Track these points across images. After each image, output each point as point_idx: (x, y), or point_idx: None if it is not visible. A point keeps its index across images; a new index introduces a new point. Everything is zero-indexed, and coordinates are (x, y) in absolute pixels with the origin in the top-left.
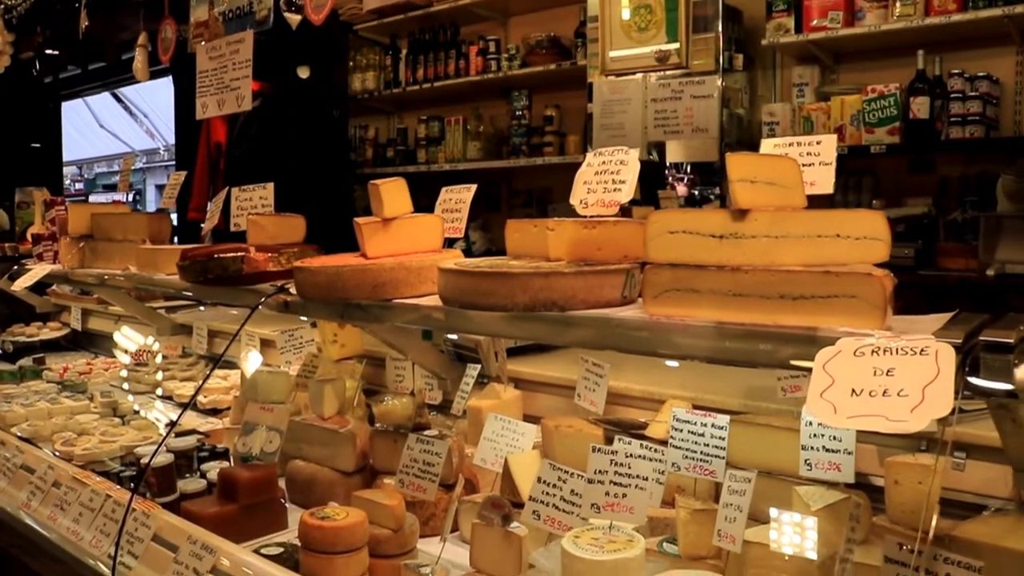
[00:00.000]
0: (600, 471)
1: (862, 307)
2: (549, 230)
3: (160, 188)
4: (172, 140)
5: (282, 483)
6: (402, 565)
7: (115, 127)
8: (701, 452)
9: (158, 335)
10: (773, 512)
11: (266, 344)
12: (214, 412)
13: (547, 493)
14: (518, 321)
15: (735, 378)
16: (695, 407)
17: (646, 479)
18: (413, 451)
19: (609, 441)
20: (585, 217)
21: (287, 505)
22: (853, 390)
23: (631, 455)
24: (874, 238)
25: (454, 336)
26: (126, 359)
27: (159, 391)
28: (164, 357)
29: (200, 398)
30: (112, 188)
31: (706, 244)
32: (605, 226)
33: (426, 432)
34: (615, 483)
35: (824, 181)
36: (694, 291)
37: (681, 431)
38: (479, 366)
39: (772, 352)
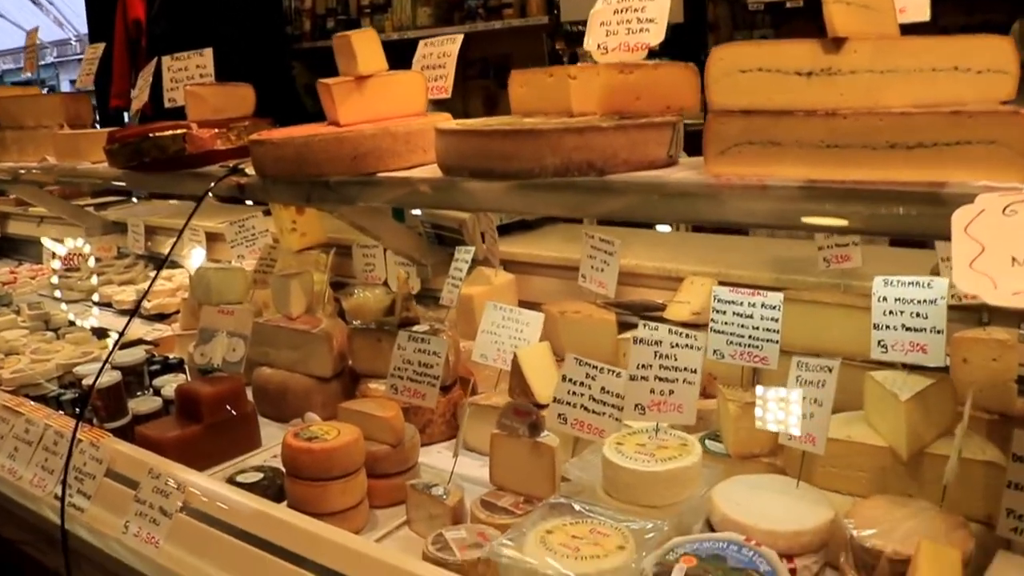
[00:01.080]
0: (643, 365)
1: (1002, 155)
2: (571, 78)
3: (75, 84)
4: (84, 28)
5: (249, 394)
6: (407, 486)
7: (17, 17)
8: (750, 337)
9: (88, 236)
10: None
11: (213, 239)
12: (160, 318)
13: (574, 393)
14: (545, 191)
15: (760, 249)
16: (722, 284)
17: (695, 371)
18: (405, 351)
19: (623, 327)
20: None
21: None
22: (1014, 259)
23: (678, 345)
24: (999, 71)
25: (434, 215)
26: (56, 265)
27: (95, 298)
28: (97, 260)
29: (144, 302)
30: (23, 85)
31: (790, 84)
32: (644, 70)
33: (416, 328)
34: (661, 379)
35: (918, 5)
36: (774, 143)
37: (724, 313)
38: (472, 248)
39: (881, 215)
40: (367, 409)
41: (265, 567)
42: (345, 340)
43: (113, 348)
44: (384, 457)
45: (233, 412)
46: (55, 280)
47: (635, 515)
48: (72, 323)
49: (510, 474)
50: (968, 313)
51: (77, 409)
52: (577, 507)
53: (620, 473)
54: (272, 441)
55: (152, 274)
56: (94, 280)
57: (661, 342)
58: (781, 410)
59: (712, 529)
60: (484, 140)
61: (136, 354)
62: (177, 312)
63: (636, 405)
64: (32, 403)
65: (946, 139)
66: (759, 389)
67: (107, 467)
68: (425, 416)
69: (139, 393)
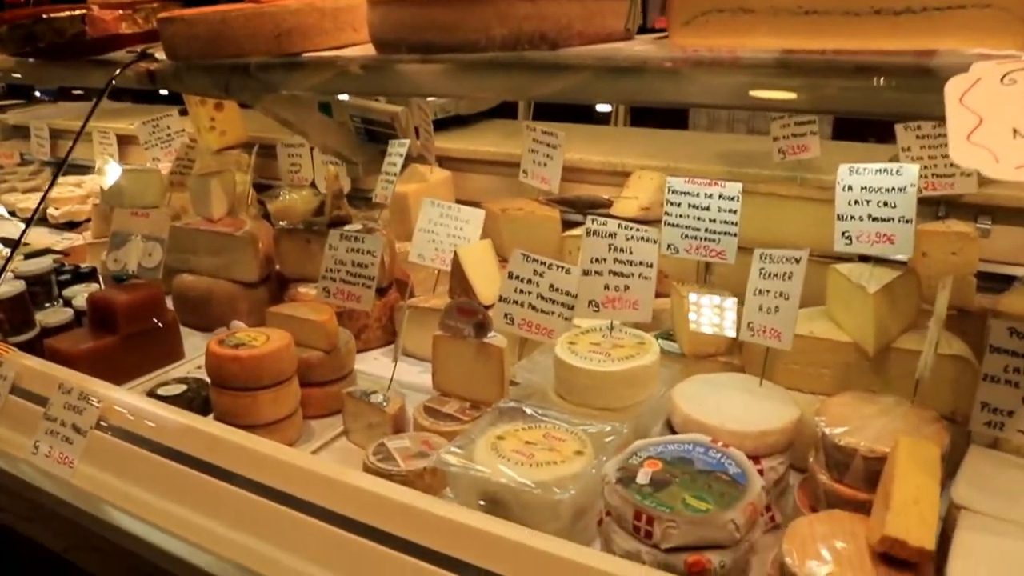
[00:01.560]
0: (597, 259)
1: (998, 20)
2: None
3: None
4: None
5: (170, 304)
6: (344, 394)
7: None
8: (706, 230)
9: None
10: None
11: (125, 142)
12: (70, 226)
13: (521, 291)
14: (491, 70)
15: (709, 142)
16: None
17: (651, 266)
18: (337, 251)
19: (567, 225)
20: None
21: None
22: (1015, 131)
23: (632, 238)
24: None
25: (364, 109)
26: None
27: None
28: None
29: (51, 210)
30: None
31: None
32: None
33: (349, 227)
34: (615, 273)
35: None
36: (746, 11)
37: (678, 205)
38: (407, 142)
39: (864, 90)
40: (298, 313)
41: (192, 484)
42: (271, 242)
43: (12, 254)
44: (318, 364)
45: (152, 321)
46: None
47: (591, 418)
48: None
49: (455, 378)
50: (926, 206)
51: None
52: (529, 411)
53: (575, 374)
54: (196, 352)
55: (61, 181)
56: None
57: (615, 235)
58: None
59: (673, 431)
60: (423, 9)
61: (43, 263)
62: (88, 220)
63: (590, 302)
64: None
65: (937, 3)
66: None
67: (12, 383)
68: (360, 321)
69: (47, 305)
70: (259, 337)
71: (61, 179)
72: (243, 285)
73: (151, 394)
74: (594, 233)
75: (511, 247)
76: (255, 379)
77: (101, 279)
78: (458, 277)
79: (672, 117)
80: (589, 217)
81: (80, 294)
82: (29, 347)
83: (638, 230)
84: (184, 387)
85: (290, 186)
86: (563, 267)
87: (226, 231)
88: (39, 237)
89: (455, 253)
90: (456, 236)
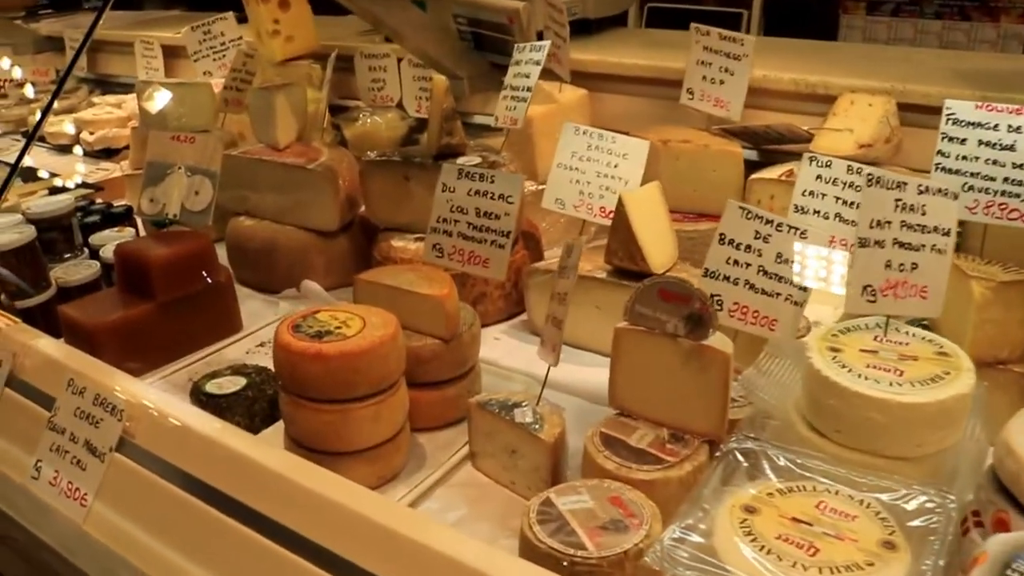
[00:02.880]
0: (879, 223)
1: None
2: None
3: None
4: None
5: (222, 256)
6: (472, 405)
7: None
8: (1008, 180)
9: (17, 55)
10: None
11: (173, 54)
12: (107, 154)
13: (736, 262)
14: None
15: (932, 59)
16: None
17: (947, 234)
18: (455, 194)
19: (753, 167)
20: None
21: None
22: None
23: (927, 191)
24: None
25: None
26: None
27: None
28: (33, 85)
29: (85, 135)
30: None
31: None
32: None
33: (464, 160)
34: (902, 244)
35: None
36: None
37: (962, 142)
38: (546, 43)
39: None
40: (403, 283)
41: (253, 558)
42: (355, 179)
43: (9, 179)
44: (432, 358)
45: (199, 283)
46: None
47: (879, 472)
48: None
49: (648, 394)
50: None
51: None
52: (781, 459)
53: (855, 403)
54: (256, 321)
55: (98, 100)
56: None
57: (904, 187)
58: None
59: (1003, 490)
60: None
61: (61, 202)
62: (127, 147)
63: (865, 288)
64: None
65: None
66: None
67: (8, 372)
68: (476, 288)
69: (67, 256)
70: (351, 321)
71: (99, 98)
72: (318, 234)
73: (197, 392)
74: (877, 182)
75: (674, 193)
76: (347, 387)
77: (139, 222)
78: (621, 234)
79: (816, 28)
80: (806, 157)
81: (111, 242)
82: (41, 314)
83: (929, 183)
84: (243, 380)
85: (372, 106)
86: (797, 229)
87: (296, 162)
88: (72, 166)
89: (620, 199)
90: (609, 176)
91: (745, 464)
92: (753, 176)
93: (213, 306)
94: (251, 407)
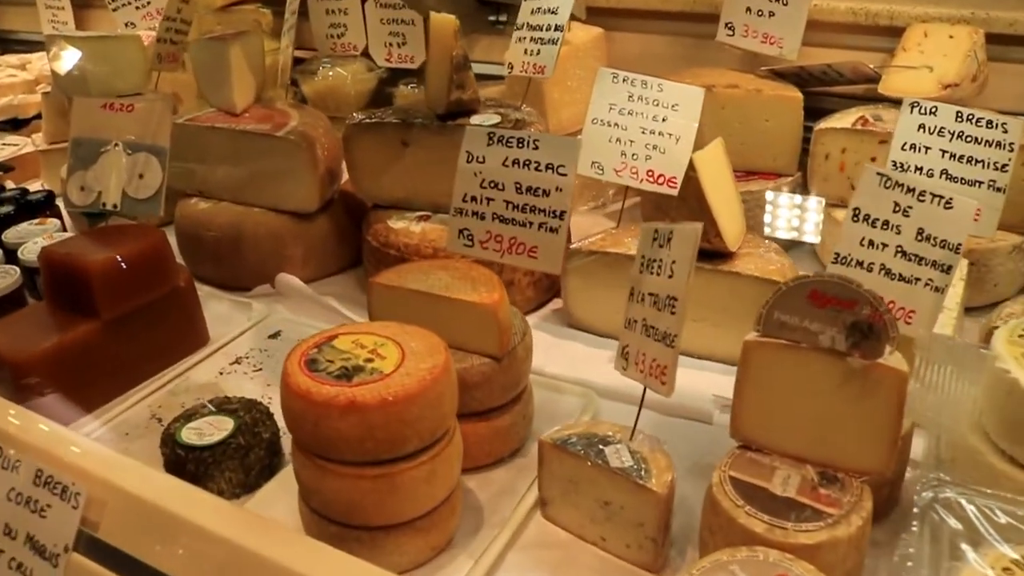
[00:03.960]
0: None
1: None
2: None
3: None
4: None
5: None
6: (547, 446)
7: None
8: None
9: None
10: None
11: (84, 5)
12: (14, 126)
13: (871, 243)
14: None
15: None
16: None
17: None
18: (486, 166)
19: (814, 114)
20: None
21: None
22: None
23: None
24: None
25: None
26: None
27: None
28: None
29: None
30: None
31: None
32: None
33: (478, 119)
34: None
35: None
36: None
37: None
38: None
39: None
40: (439, 287)
41: None
42: (336, 145)
43: None
44: (482, 382)
45: (154, 290)
46: None
47: None
48: None
49: (791, 421)
50: None
51: None
52: (1001, 515)
53: None
54: (224, 329)
55: None
56: None
57: None
58: None
59: None
60: None
61: None
62: (38, 117)
63: None
64: None
65: None
66: None
67: None
68: (503, 276)
69: None
70: (384, 348)
71: None
72: (292, 216)
73: (171, 443)
74: None
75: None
76: (394, 444)
77: (65, 214)
78: (691, 204)
79: None
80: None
81: (31, 239)
82: None
83: None
84: (230, 422)
85: (332, 57)
86: (942, 198)
87: (261, 129)
88: None
89: (691, 163)
90: (657, 132)
91: (956, 525)
92: (821, 125)
93: (172, 317)
94: (244, 458)
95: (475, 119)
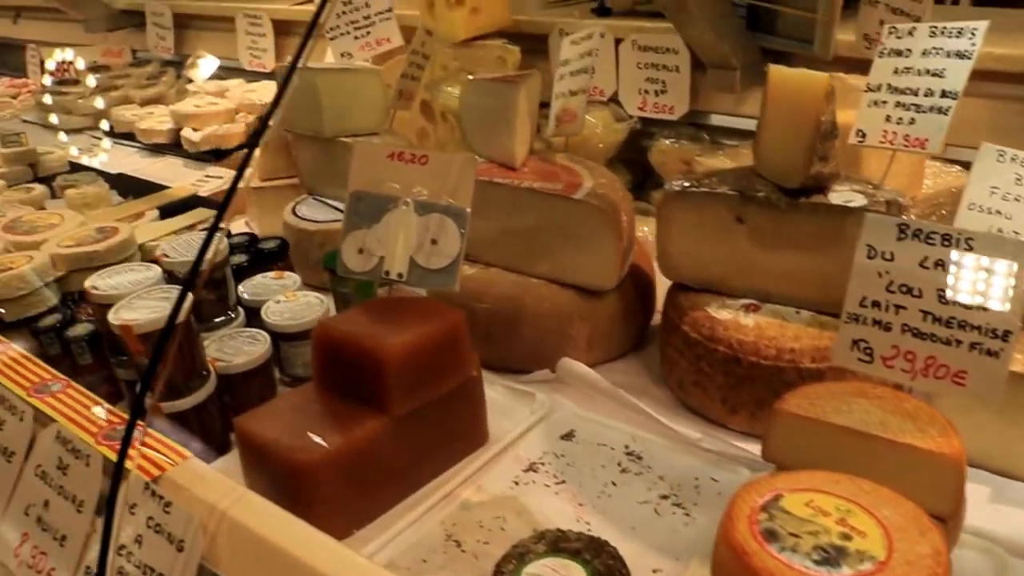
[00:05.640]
0: None
1: None
2: None
3: None
4: None
5: None
6: None
7: None
8: None
9: (90, 32)
10: None
11: (281, 31)
12: (216, 156)
13: None
14: None
15: None
16: None
17: None
18: (895, 264)
19: None
20: None
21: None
22: None
23: None
24: None
25: None
26: (47, 80)
27: (104, 125)
28: (103, 70)
29: (188, 132)
30: None
31: None
32: None
33: (849, 200)
34: None
35: None
36: None
37: None
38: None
39: None
40: (873, 425)
41: None
42: (632, 213)
43: (208, 240)
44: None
45: (449, 381)
46: (49, 100)
47: None
48: (79, 168)
49: None
50: None
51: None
52: None
53: None
54: (501, 421)
55: (194, 88)
56: (99, 102)
57: None
58: None
59: None
60: None
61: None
62: (240, 149)
63: None
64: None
65: None
66: None
67: (198, 560)
68: None
69: (219, 320)
70: (853, 516)
71: (193, 85)
72: (581, 292)
73: None
74: None
75: None
76: None
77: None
78: None
79: None
80: None
81: (272, 296)
82: (196, 417)
83: None
84: (581, 572)
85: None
86: None
87: (553, 189)
88: (170, 171)
89: None
90: None
91: None
92: None
93: (458, 410)
94: None
95: (834, 197)
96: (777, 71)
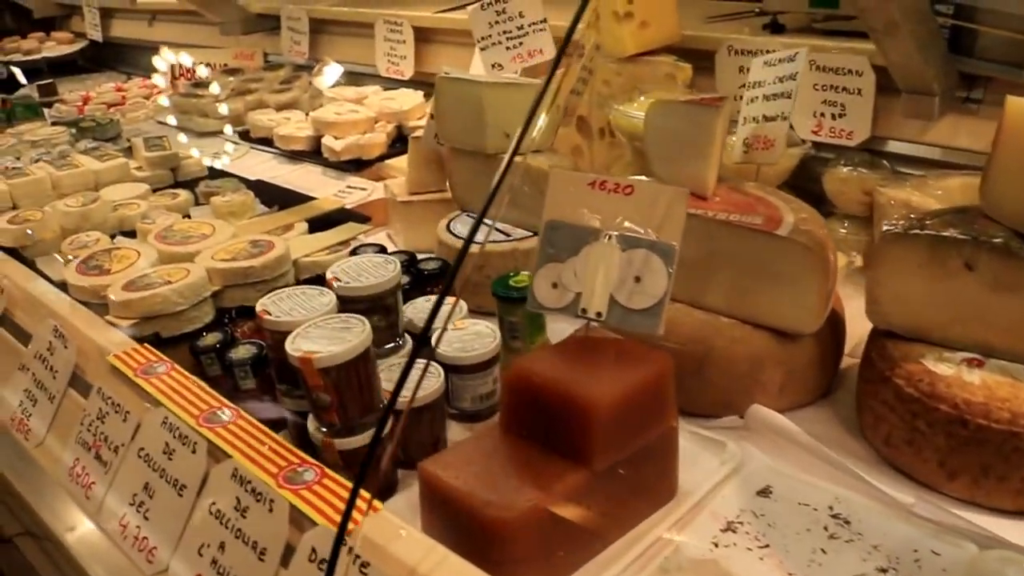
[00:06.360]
0: None
1: None
2: None
3: None
4: None
5: None
6: None
7: None
8: None
9: (225, 35)
10: None
11: (421, 38)
12: (356, 166)
13: None
14: None
15: None
16: None
17: None
18: None
19: None
20: None
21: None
22: None
23: None
24: None
25: None
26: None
27: (227, 129)
28: (234, 73)
29: (329, 140)
30: None
31: None
32: None
33: None
34: None
35: None
36: None
37: None
38: None
39: None
40: None
41: None
42: (834, 249)
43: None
44: None
45: (650, 433)
46: (179, 102)
47: None
48: (218, 174)
49: None
50: None
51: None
52: None
53: None
54: (692, 473)
55: (331, 94)
56: (223, 108)
57: None
58: None
59: None
60: None
61: (379, 265)
62: (381, 159)
63: None
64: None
65: None
66: None
67: None
68: None
69: (388, 347)
70: None
71: (331, 91)
72: (775, 334)
73: None
74: None
75: None
76: None
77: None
78: None
79: None
80: None
81: (439, 323)
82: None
83: None
84: None
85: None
86: None
87: (753, 223)
88: (310, 180)
89: None
90: None
91: None
92: None
93: (654, 462)
94: None
95: None
96: (1016, 103)
